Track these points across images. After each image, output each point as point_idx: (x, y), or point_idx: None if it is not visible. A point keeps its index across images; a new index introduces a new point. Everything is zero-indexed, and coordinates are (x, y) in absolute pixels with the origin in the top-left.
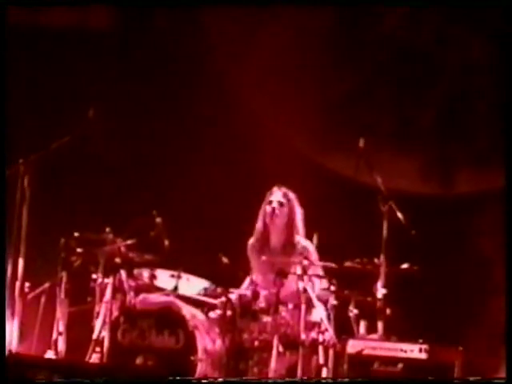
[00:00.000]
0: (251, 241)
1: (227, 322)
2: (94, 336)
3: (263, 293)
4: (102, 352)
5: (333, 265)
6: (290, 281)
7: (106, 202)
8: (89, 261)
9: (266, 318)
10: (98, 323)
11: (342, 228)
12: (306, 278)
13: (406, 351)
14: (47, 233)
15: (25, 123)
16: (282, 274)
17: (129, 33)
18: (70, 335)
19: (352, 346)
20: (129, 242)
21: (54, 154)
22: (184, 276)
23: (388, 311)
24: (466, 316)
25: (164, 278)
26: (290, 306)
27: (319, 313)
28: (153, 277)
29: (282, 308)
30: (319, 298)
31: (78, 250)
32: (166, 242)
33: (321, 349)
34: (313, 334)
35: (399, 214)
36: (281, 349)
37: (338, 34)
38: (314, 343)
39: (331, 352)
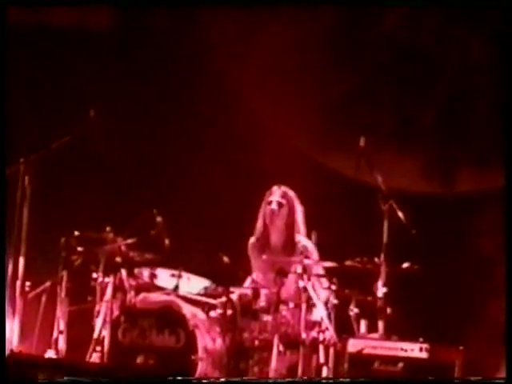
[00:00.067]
0: (252, 240)
1: (228, 321)
2: (95, 335)
3: (264, 292)
4: (102, 351)
5: (333, 264)
6: (291, 280)
7: (106, 201)
8: (89, 260)
9: (267, 317)
10: (98, 322)
11: (342, 227)
12: (306, 276)
13: (406, 350)
14: (48, 232)
15: (25, 123)
16: (282, 273)
17: (129, 33)
18: (70, 334)
19: (352, 345)
20: (129, 241)
21: (54, 153)
22: (184, 275)
23: (388, 310)
24: (466, 315)
25: (164, 277)
26: (291, 305)
27: (320, 312)
28: (153, 276)
29: (282, 307)
30: (320, 297)
31: (79, 248)
32: (167, 241)
33: (321, 348)
34: (313, 333)
35: (400, 213)
36: (281, 348)
37: (338, 34)
38: (315, 342)
39: (332, 351)
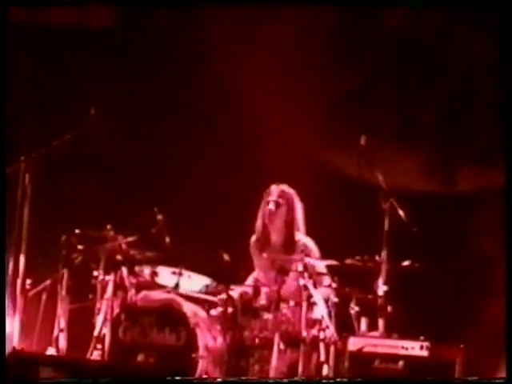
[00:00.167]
0: (253, 238)
1: (228, 320)
2: (95, 333)
3: (264, 290)
4: (103, 349)
5: (334, 262)
6: (292, 278)
7: (106, 199)
8: (90, 258)
9: (267, 316)
10: (99, 320)
11: (343, 225)
12: (306, 275)
13: (407, 348)
14: (48, 230)
15: (26, 121)
16: (283, 271)
17: (129, 32)
18: (71, 332)
19: (353, 344)
20: (130, 239)
21: (55, 151)
22: (185, 273)
23: (389, 308)
24: (467, 313)
25: (165, 275)
26: (291, 303)
27: (320, 310)
28: (154, 274)
29: (283, 305)
30: (320, 296)
31: (79, 247)
32: (167, 239)
33: (322, 346)
34: (314, 332)
35: (400, 212)
36: (282, 346)
37: (338, 33)
38: (315, 340)
39: (332, 349)
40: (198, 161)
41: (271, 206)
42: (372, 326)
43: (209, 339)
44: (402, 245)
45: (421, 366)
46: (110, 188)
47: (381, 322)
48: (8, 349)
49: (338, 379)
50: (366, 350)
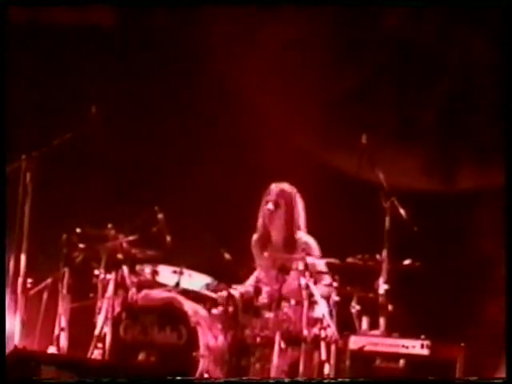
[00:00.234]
0: (254, 237)
1: (229, 318)
2: (96, 332)
3: (265, 289)
4: (103, 348)
5: (335, 261)
6: (293, 277)
7: (107, 198)
8: (91, 257)
9: (268, 314)
10: (100, 319)
11: (344, 224)
12: (307, 273)
13: (407, 347)
14: (49, 228)
15: (27, 120)
16: (284, 269)
17: (129, 32)
18: (72, 331)
19: (354, 342)
20: (131, 237)
21: (56, 150)
22: (186, 272)
23: (390, 307)
24: (467, 312)
25: (166, 274)
26: (292, 302)
27: (321, 309)
28: (155, 273)
29: (284, 304)
30: (321, 294)
31: (80, 245)
32: (168, 238)
33: (323, 345)
34: (315, 330)
35: (401, 210)
36: (283, 345)
37: (338, 34)
38: (316, 339)
39: (333, 348)
40: (198, 160)
41: (270, 206)
42: (373, 325)
43: (210, 338)
44: (402, 244)
45: (421, 364)
46: (110, 187)
47: (382, 321)
48: (9, 347)
49: (340, 379)
50: (366, 348)
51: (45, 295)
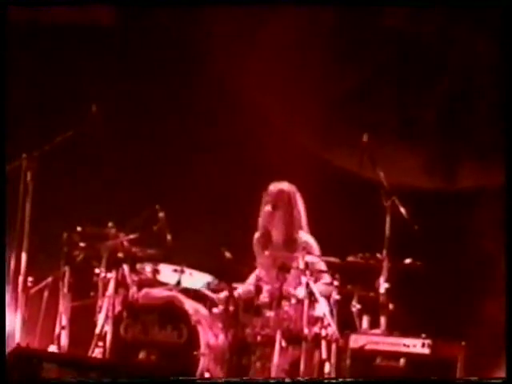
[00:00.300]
0: (256, 236)
1: (230, 317)
2: (97, 330)
3: (266, 287)
4: (104, 347)
5: (336, 259)
6: (293, 276)
7: (108, 196)
8: (91, 255)
9: (269, 313)
10: (100, 318)
11: (345, 223)
12: (308, 272)
13: (408, 346)
14: (50, 227)
15: (27, 118)
16: (284, 268)
17: (129, 32)
18: (72, 329)
19: (355, 341)
20: (131, 236)
21: (56, 148)
22: (187, 271)
23: (391, 306)
24: (468, 311)
25: (167, 273)
26: (293, 300)
27: (322, 308)
28: (155, 271)
29: (284, 303)
30: (322, 293)
31: (81, 244)
32: (169, 237)
33: (323, 344)
34: (315, 329)
35: (402, 209)
36: (283, 344)
37: (339, 33)
38: (317, 338)
39: (334, 347)
40: (199, 159)
41: (268, 208)
42: (374, 324)
43: (210, 337)
44: (403, 242)
45: (422, 363)
46: (111, 185)
47: (382, 320)
48: (10, 346)
49: (341, 379)
50: (367, 347)
51: (45, 294)
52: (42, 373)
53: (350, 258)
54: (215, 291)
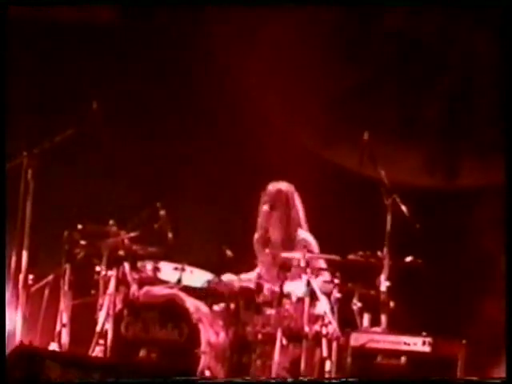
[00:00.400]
0: (256, 235)
1: (231, 315)
2: (98, 328)
3: (267, 286)
4: (105, 344)
5: (336, 257)
6: (294, 274)
7: (109, 194)
8: (92, 253)
9: (270, 311)
10: (101, 316)
11: (345, 221)
12: (309, 271)
13: (409, 344)
14: (51, 225)
15: (28, 116)
16: (285, 267)
17: (130, 31)
18: (73, 327)
19: (355, 339)
20: (132, 234)
21: (57, 146)
22: (188, 268)
23: (391, 304)
24: (469, 309)
25: (167, 271)
26: (294, 298)
27: (323, 306)
28: (156, 269)
29: (285, 301)
30: (322, 291)
31: (82, 242)
32: (170, 235)
33: (324, 342)
34: (316, 327)
35: (403, 207)
36: (284, 342)
37: (340, 33)
38: (318, 336)
39: (335, 345)
40: (200, 157)
41: (266, 208)
42: (374, 322)
43: (211, 335)
44: (404, 241)
45: (423, 361)
46: (112, 183)
47: (383, 318)
48: (10, 344)
49: (343, 379)
50: (368, 345)
51: (46, 292)
52: (44, 371)
53: (351, 256)
54: (216, 289)
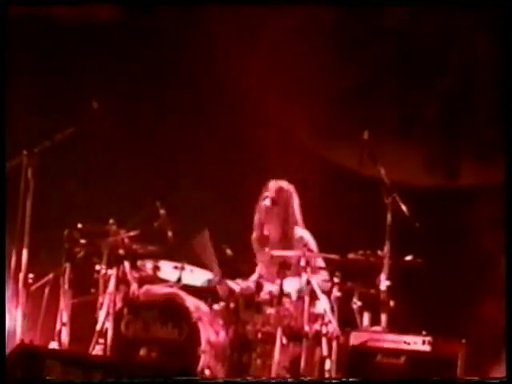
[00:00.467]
0: (253, 235)
1: (231, 314)
2: (98, 327)
3: (267, 284)
4: (105, 343)
5: (336, 257)
6: (294, 273)
7: (109, 193)
8: (92, 252)
9: (270, 310)
10: (101, 314)
11: (345, 220)
12: (309, 269)
13: (409, 343)
14: (51, 224)
15: (28, 115)
16: (285, 265)
17: (130, 31)
18: (73, 326)
19: (355, 338)
20: (132, 233)
21: (57, 145)
22: (187, 267)
23: (391, 303)
24: (469, 308)
25: (167, 270)
26: (294, 297)
27: (323, 305)
28: (156, 268)
29: (285, 300)
30: (320, 290)
31: (82, 241)
32: (170, 234)
33: (324, 341)
34: (316, 326)
35: (403, 207)
36: (284, 341)
37: (340, 32)
38: (318, 335)
39: (335, 344)
40: (200, 155)
41: (267, 202)
42: (374, 321)
43: (211, 333)
44: (404, 240)
45: (423, 360)
46: (112, 182)
47: (383, 317)
48: (10, 342)
49: (343, 379)
50: (368, 344)
51: (46, 290)
52: (44, 370)
53: (351, 255)
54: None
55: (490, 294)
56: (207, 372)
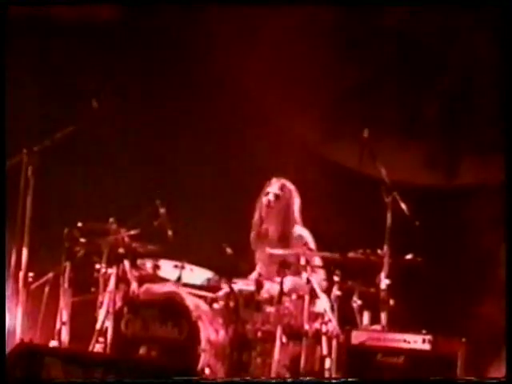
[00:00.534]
0: (252, 233)
1: (230, 313)
2: (98, 326)
3: (267, 283)
4: (105, 342)
5: (337, 255)
6: (293, 271)
7: (109, 192)
8: (92, 251)
9: (270, 309)
10: (101, 313)
11: (345, 219)
12: (309, 268)
13: (409, 342)
14: (51, 223)
15: (28, 113)
16: (284, 264)
17: (130, 30)
18: (73, 325)
19: (355, 337)
20: (132, 232)
21: (57, 143)
22: (187, 266)
23: (391, 302)
24: (469, 307)
25: (167, 269)
26: (294, 296)
27: (323, 303)
28: (156, 267)
29: (285, 298)
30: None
31: (82, 239)
32: (170, 233)
33: (324, 339)
34: (316, 325)
35: (403, 205)
36: (284, 339)
37: (340, 32)
38: (318, 334)
39: (334, 343)
40: (200, 154)
41: (270, 197)
42: (374, 320)
43: (211, 332)
44: (404, 238)
45: (423, 359)
46: (112, 181)
47: (383, 316)
48: (10, 341)
49: (343, 379)
50: (368, 343)
51: (46, 289)
52: (44, 368)
53: (351, 254)
54: (216, 287)
55: (489, 293)
56: (207, 371)
